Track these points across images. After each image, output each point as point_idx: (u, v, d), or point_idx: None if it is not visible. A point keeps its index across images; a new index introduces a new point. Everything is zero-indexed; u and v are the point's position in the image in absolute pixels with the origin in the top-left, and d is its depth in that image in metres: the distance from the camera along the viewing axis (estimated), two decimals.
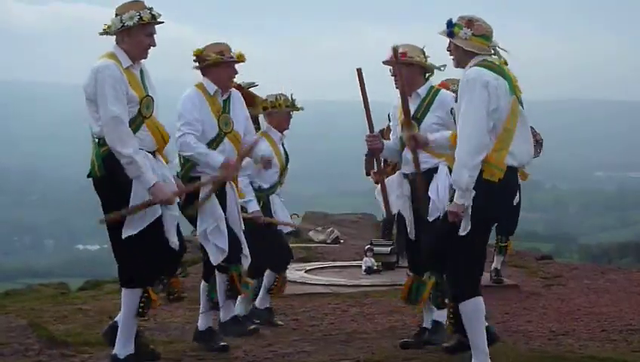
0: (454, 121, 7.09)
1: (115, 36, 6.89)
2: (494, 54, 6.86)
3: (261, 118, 9.81)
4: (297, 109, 9.58)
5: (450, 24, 6.86)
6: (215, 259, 7.83)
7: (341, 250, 16.13)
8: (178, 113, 7.91)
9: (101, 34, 6.94)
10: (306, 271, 13.06)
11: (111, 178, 6.70)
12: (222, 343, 7.91)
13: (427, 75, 8.04)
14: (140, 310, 6.88)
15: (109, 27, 6.89)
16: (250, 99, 9.52)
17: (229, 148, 8.00)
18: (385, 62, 7.90)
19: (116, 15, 6.84)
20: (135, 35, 6.85)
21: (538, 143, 11.21)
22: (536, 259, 15.15)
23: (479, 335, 6.74)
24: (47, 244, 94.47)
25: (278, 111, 9.56)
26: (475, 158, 6.48)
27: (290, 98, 9.56)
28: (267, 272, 9.51)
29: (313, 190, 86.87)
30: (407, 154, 7.81)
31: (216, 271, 8.00)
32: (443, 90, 8.02)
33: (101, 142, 6.70)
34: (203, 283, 8.15)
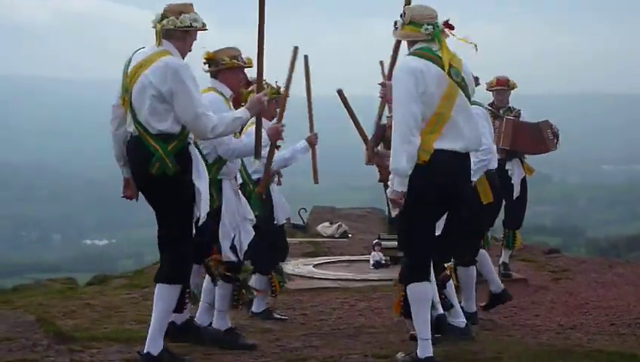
0: None
1: (162, 32, 6.90)
2: (432, 40, 6.86)
3: None
4: (280, 94, 9.44)
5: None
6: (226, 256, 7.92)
7: (349, 244, 16.12)
8: None
9: (161, 28, 6.90)
10: (314, 266, 13.07)
11: (182, 173, 6.81)
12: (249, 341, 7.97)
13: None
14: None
15: (165, 21, 6.88)
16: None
17: None
18: None
19: (179, 13, 6.90)
20: (189, 37, 7.00)
21: (555, 136, 11.22)
22: (544, 253, 15.12)
23: (421, 322, 6.84)
24: (54, 239, 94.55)
25: (269, 101, 9.54)
26: (408, 144, 6.57)
27: (275, 86, 9.51)
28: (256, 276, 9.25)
29: (321, 184, 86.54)
30: None
31: (220, 280, 8.00)
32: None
33: (167, 139, 6.78)
34: (207, 278, 8.15)
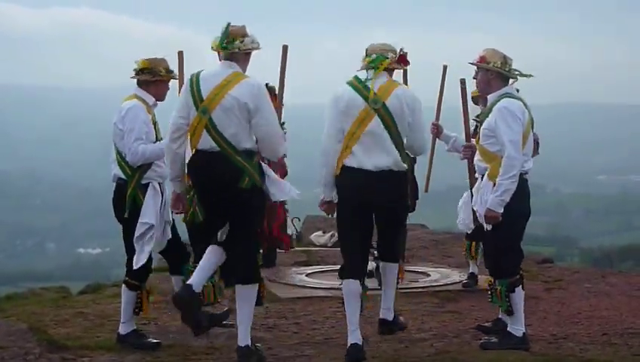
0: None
1: (227, 55, 7.43)
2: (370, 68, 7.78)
3: None
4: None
5: None
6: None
7: None
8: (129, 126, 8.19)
9: (243, 50, 7.47)
10: (306, 275, 13.05)
11: (261, 185, 7.45)
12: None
13: (511, 80, 8.29)
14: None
15: (246, 45, 7.46)
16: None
17: None
18: (470, 63, 8.37)
19: (245, 35, 7.46)
20: (249, 58, 7.62)
21: (536, 143, 11.18)
22: (536, 263, 15.11)
23: (350, 314, 7.80)
24: (48, 248, 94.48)
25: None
26: (325, 157, 7.73)
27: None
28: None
29: (314, 194, 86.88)
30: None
31: (124, 287, 8.38)
32: (504, 99, 8.09)
33: (250, 154, 7.37)
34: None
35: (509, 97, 8.04)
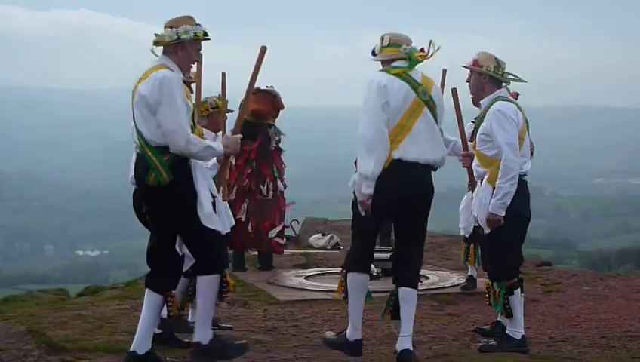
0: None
1: (162, 47, 7.13)
2: (406, 58, 7.52)
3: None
4: (231, 111, 9.56)
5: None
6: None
7: (341, 256, 16.07)
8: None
9: (155, 43, 7.13)
10: (305, 278, 13.05)
11: (177, 184, 6.96)
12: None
13: (504, 84, 8.33)
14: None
15: (161, 37, 7.10)
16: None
17: None
18: (464, 66, 8.36)
19: (170, 27, 7.08)
20: (187, 49, 7.13)
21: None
22: (535, 266, 15.14)
23: (355, 309, 7.70)
24: (46, 250, 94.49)
25: (217, 112, 9.56)
26: (374, 151, 7.28)
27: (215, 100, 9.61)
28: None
29: (313, 196, 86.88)
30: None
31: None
32: (497, 103, 8.11)
33: (162, 150, 6.95)
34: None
35: (502, 100, 8.06)
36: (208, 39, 7.26)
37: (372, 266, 13.08)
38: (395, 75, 7.43)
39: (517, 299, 8.09)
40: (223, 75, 8.74)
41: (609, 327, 9.71)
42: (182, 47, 7.11)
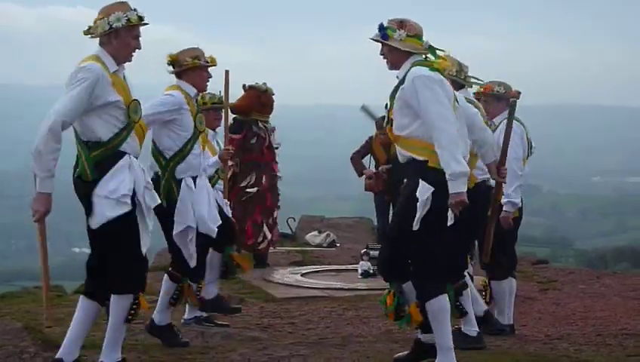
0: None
1: (99, 38, 6.75)
2: (429, 53, 7.05)
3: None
4: (221, 104, 9.60)
5: (382, 28, 7.05)
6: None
7: (337, 253, 16.12)
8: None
9: (86, 34, 6.79)
10: (302, 275, 13.07)
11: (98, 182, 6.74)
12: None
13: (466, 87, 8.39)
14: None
15: (94, 28, 6.73)
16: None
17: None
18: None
19: (101, 17, 6.69)
20: (122, 37, 6.72)
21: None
22: (531, 264, 15.15)
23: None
24: None
25: (214, 110, 9.67)
26: (460, 145, 6.73)
27: (216, 96, 9.67)
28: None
29: (309, 194, 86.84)
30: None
31: (167, 276, 8.44)
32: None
33: (90, 145, 6.75)
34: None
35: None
36: (145, 24, 6.85)
37: (369, 263, 13.18)
38: (437, 71, 6.96)
39: (467, 298, 8.09)
40: (227, 72, 8.74)
41: (605, 325, 9.71)
42: (115, 35, 6.70)
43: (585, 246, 66.47)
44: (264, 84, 13.62)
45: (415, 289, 7.06)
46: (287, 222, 17.73)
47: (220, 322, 9.37)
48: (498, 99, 9.11)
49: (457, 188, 6.63)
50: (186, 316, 9.28)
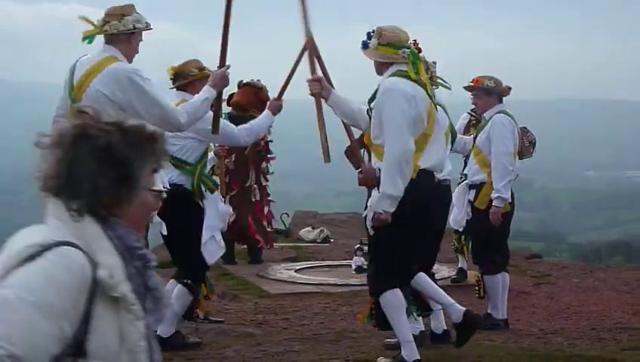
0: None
1: (107, 37, 6.75)
2: (409, 62, 6.95)
3: None
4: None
5: (368, 36, 7.11)
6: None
7: (331, 249, 16.11)
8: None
9: (100, 32, 6.76)
10: (295, 271, 13.05)
11: None
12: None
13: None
14: None
15: (111, 26, 6.72)
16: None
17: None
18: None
19: (117, 16, 6.72)
20: (134, 39, 6.82)
21: (531, 144, 11.15)
22: (525, 258, 15.15)
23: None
24: None
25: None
26: (404, 168, 6.72)
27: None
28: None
29: (303, 189, 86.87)
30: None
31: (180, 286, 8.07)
32: None
33: None
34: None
35: None
36: (151, 29, 6.94)
37: (362, 259, 13.16)
38: (411, 79, 6.90)
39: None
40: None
41: (599, 319, 9.73)
42: (130, 37, 6.80)
43: (578, 241, 66.56)
44: (258, 80, 13.60)
45: (368, 283, 7.24)
46: (280, 218, 17.69)
47: (214, 318, 9.37)
48: (488, 94, 9.12)
49: (381, 207, 6.77)
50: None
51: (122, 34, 6.73)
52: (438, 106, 7.26)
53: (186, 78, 8.13)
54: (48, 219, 3.00)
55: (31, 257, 2.71)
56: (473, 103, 9.74)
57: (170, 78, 8.25)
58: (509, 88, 9.21)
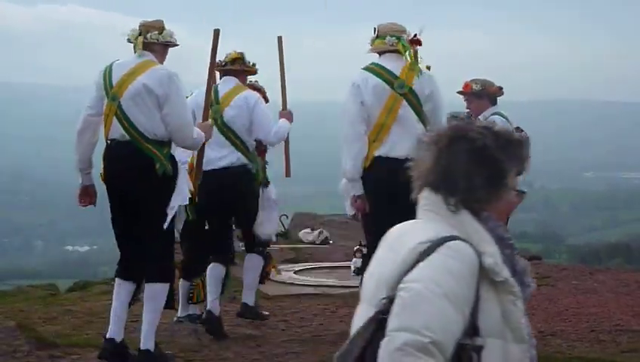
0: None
1: (143, 44, 7.23)
2: (394, 51, 7.47)
3: None
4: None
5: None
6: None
7: (330, 250, 16.12)
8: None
9: (162, 42, 7.32)
10: (295, 272, 13.06)
11: (173, 176, 7.18)
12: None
13: None
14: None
15: (162, 36, 7.30)
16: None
17: None
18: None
19: (162, 28, 7.30)
20: (166, 51, 7.43)
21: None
22: (525, 260, 15.15)
23: None
24: (36, 245, 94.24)
25: None
26: (351, 150, 7.37)
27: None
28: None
29: (302, 191, 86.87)
30: None
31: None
32: None
33: (163, 144, 7.16)
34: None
35: None
36: (178, 45, 7.54)
37: (361, 260, 13.15)
38: (369, 71, 7.48)
39: None
40: (216, 32, 8.43)
41: (598, 321, 9.72)
42: (166, 49, 7.41)
43: (577, 242, 66.61)
44: (256, 81, 13.59)
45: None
46: (279, 219, 17.71)
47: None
48: (479, 97, 9.10)
49: (347, 191, 7.60)
50: (179, 314, 9.28)
51: (160, 44, 7.30)
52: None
53: (247, 66, 8.96)
54: (424, 212, 3.30)
55: (426, 253, 3.07)
56: (467, 108, 9.73)
57: (233, 58, 8.84)
58: (501, 88, 9.19)
